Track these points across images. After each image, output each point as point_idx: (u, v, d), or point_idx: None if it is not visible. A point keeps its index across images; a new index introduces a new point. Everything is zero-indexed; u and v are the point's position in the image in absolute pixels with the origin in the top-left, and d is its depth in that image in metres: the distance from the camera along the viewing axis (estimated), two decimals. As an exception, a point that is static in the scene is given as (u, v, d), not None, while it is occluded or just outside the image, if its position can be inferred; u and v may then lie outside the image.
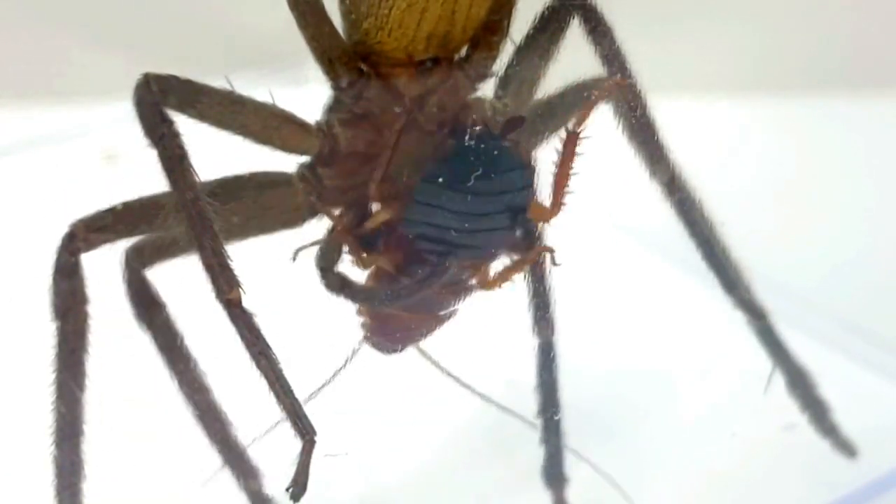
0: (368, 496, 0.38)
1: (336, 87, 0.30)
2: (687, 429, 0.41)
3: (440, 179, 0.28)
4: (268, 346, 0.28)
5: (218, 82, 0.30)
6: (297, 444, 0.27)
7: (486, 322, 0.36)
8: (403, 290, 0.29)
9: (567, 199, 0.29)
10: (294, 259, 0.28)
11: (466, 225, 0.28)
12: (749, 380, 0.40)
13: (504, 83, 0.31)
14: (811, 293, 0.46)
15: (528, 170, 0.29)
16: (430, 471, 0.39)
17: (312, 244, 0.29)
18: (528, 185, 0.28)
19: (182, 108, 0.28)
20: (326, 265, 0.29)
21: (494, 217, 0.28)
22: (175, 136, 0.28)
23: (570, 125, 0.29)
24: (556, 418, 0.35)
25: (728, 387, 0.43)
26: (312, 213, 0.31)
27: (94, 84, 0.55)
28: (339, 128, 0.30)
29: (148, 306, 0.32)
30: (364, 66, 0.30)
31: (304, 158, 0.31)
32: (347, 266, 0.30)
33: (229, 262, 0.28)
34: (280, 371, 0.28)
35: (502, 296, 0.31)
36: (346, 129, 0.30)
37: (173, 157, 0.27)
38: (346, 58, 0.30)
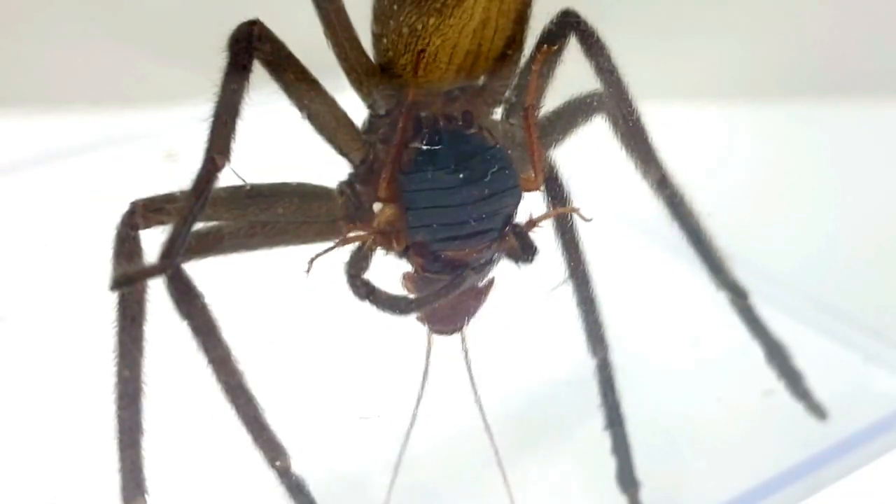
0: (367, 497, 0.39)
1: (374, 114, 0.32)
2: (677, 393, 0.43)
3: (419, 167, 0.29)
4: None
5: (266, 90, 0.30)
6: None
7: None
8: (429, 297, 0.29)
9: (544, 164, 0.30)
10: (308, 270, 0.28)
11: (462, 206, 0.29)
12: (732, 351, 0.42)
13: (511, 104, 0.32)
14: (787, 276, 0.48)
15: (498, 150, 0.29)
16: (430, 470, 0.39)
17: (326, 252, 0.28)
18: (505, 165, 0.29)
19: (270, 65, 0.29)
20: (355, 272, 0.29)
21: (487, 198, 0.29)
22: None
23: (525, 99, 0.30)
24: (621, 429, 0.36)
25: (714, 357, 0.45)
26: (349, 224, 0.31)
27: (157, 91, 0.57)
28: (378, 145, 0.31)
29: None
30: (398, 96, 0.31)
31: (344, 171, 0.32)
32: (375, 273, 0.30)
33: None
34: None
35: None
36: (383, 147, 0.31)
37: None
38: (384, 87, 0.31)
